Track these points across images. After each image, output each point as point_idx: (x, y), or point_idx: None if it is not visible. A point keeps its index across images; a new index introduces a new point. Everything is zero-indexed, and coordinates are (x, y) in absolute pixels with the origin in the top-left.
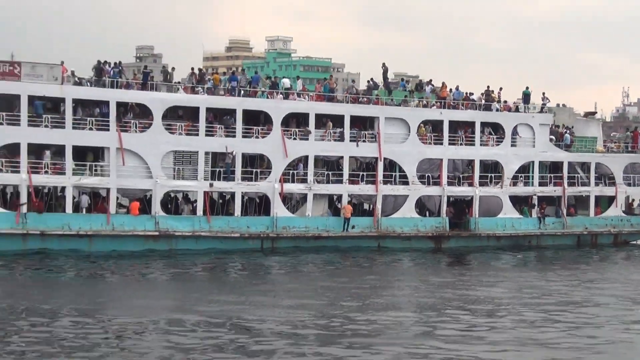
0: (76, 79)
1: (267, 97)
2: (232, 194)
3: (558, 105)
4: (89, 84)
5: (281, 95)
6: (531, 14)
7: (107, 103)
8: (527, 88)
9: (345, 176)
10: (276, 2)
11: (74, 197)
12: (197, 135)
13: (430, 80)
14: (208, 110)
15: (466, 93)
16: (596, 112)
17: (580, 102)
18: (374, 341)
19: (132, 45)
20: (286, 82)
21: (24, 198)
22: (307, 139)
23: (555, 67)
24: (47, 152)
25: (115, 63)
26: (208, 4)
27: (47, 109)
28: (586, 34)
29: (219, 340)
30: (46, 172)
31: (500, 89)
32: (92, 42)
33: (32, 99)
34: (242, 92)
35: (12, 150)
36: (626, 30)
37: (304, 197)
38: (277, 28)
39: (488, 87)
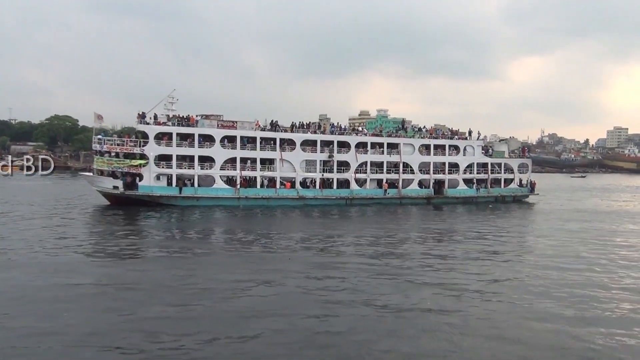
0: (262, 128)
1: (350, 135)
2: (332, 179)
3: (510, 137)
4: (266, 130)
5: (355, 133)
6: (507, 95)
7: (274, 139)
8: (470, 128)
9: (385, 170)
10: (383, 92)
11: (262, 180)
12: (317, 152)
13: (424, 126)
14: (322, 141)
15: (443, 131)
16: (506, 139)
17: (518, 135)
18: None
19: (317, 113)
20: (364, 130)
21: (238, 180)
22: (367, 153)
23: (506, 121)
24: (248, 162)
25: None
26: (353, 95)
27: (248, 142)
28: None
29: (323, 242)
30: (248, 169)
31: (458, 129)
32: (286, 111)
33: (242, 137)
34: (337, 132)
35: (231, 160)
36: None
37: (365, 180)
38: (382, 104)
39: (451, 128)
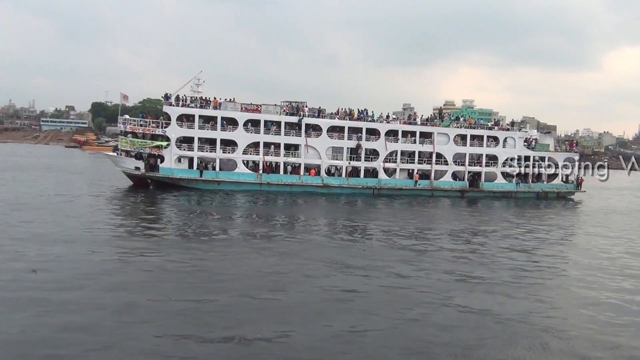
0: (285, 113)
1: (380, 122)
2: (360, 167)
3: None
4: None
5: (384, 120)
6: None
7: (300, 124)
8: (513, 119)
9: (416, 160)
10: (470, 82)
11: (285, 166)
12: (343, 139)
13: (464, 116)
14: (349, 127)
15: (482, 121)
16: (550, 132)
17: (613, 130)
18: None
19: (401, 102)
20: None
21: (260, 166)
22: (397, 142)
23: (599, 114)
24: (272, 146)
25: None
26: (438, 84)
27: (272, 126)
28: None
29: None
30: (271, 155)
31: (498, 120)
32: (370, 99)
33: (265, 122)
34: (367, 120)
35: (254, 145)
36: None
37: (395, 170)
38: (468, 94)
39: (495, 118)
